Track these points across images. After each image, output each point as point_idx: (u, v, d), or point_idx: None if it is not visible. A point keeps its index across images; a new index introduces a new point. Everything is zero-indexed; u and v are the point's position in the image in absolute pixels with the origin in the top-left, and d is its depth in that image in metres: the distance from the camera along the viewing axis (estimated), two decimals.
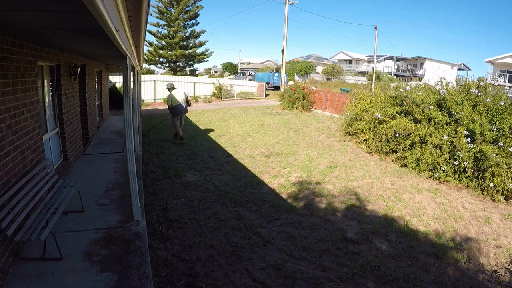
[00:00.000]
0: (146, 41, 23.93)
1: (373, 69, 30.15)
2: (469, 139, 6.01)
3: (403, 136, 7.03)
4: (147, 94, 18.98)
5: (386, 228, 4.27)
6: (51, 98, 4.93)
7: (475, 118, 6.27)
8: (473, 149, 5.87)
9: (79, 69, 5.78)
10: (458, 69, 42.63)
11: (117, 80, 17.08)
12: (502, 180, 5.41)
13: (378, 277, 3.25)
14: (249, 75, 33.02)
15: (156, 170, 6.35)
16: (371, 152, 7.93)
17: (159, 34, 33.31)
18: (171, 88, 8.80)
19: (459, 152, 5.96)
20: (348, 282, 3.16)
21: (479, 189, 5.72)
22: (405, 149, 6.98)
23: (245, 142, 8.92)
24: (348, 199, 5.20)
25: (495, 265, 3.65)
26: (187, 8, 32.90)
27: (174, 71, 34.93)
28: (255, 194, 5.23)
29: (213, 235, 3.93)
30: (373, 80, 27.17)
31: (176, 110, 8.72)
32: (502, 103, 6.16)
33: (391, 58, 42.73)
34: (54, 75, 4.96)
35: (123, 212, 3.65)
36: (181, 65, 35.70)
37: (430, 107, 6.91)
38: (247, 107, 16.45)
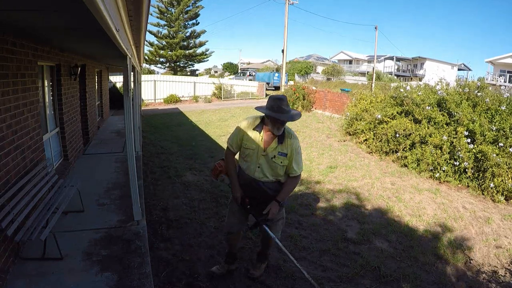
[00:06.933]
0: (146, 41, 23.91)
1: (373, 69, 30.18)
2: (469, 140, 6.00)
3: (403, 136, 7.02)
4: (147, 94, 19.01)
5: (386, 228, 4.27)
6: (51, 98, 4.93)
7: (475, 118, 6.27)
8: (473, 150, 5.87)
9: (79, 69, 5.78)
10: (459, 69, 42.61)
11: (117, 80, 17.08)
12: (502, 180, 5.41)
13: (378, 277, 3.25)
14: (249, 75, 33.04)
15: (156, 170, 6.35)
16: (371, 152, 7.93)
17: (159, 34, 33.35)
18: (254, 122, 2.58)
19: (459, 153, 5.95)
20: (348, 282, 3.16)
21: (479, 189, 5.72)
22: (405, 149, 6.98)
23: None
24: (348, 199, 5.20)
25: (495, 265, 3.65)
26: (188, 8, 32.93)
27: (175, 71, 34.98)
28: None
29: (213, 235, 3.93)
30: (373, 80, 27.17)
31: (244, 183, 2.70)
32: (503, 108, 6.13)
33: (391, 58, 42.71)
34: (55, 75, 4.96)
35: (123, 212, 3.65)
36: (182, 65, 35.74)
37: (428, 107, 6.90)
38: (248, 107, 16.44)
